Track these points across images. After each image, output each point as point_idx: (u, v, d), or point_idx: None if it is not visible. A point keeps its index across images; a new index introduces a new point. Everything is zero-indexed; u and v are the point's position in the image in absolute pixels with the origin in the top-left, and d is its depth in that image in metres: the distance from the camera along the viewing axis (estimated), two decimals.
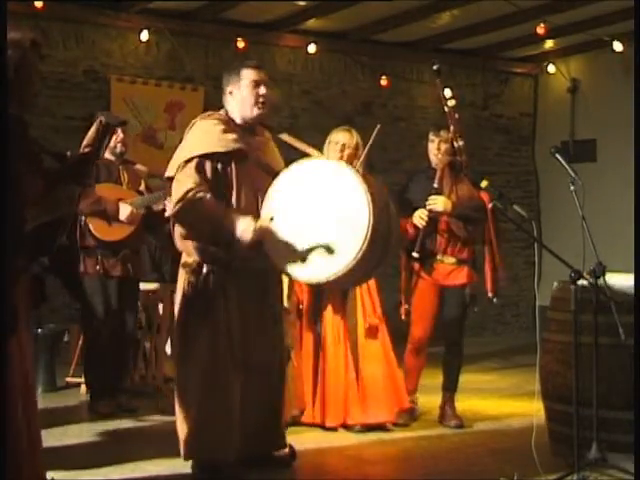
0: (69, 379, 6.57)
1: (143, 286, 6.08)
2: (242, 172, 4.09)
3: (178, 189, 4.01)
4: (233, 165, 4.07)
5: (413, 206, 5.25)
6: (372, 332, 5.25)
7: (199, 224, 4.03)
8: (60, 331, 6.84)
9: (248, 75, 4.17)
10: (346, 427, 5.17)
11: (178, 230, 4.15)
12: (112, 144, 5.77)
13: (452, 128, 5.29)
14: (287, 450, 4.41)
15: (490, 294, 5.43)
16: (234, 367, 4.08)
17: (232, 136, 4.09)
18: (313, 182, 4.05)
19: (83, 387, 6.21)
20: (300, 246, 3.96)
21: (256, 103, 4.16)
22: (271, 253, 4.01)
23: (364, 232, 3.82)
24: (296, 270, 4.00)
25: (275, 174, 4.15)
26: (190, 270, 4.13)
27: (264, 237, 3.95)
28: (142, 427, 5.39)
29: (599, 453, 4.03)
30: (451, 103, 5.28)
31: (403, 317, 5.41)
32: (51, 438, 4.80)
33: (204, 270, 4.07)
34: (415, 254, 5.23)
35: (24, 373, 3.09)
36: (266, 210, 4.05)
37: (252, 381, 4.17)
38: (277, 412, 4.36)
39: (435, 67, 5.42)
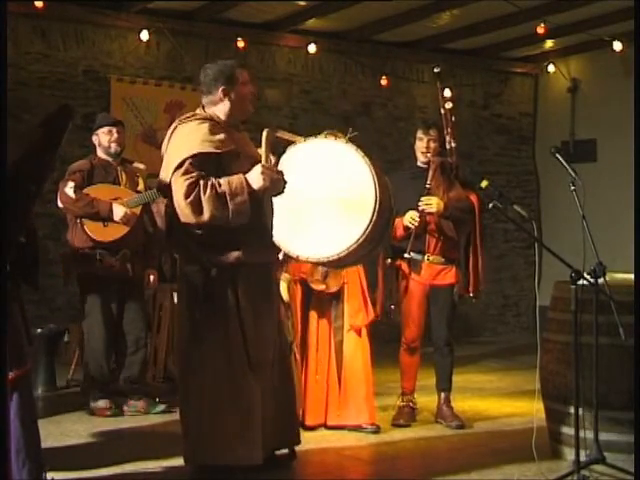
0: (69, 379, 6.57)
1: None
2: (235, 169, 4.04)
3: (179, 190, 3.91)
4: (226, 163, 4.03)
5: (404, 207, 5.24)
6: (356, 333, 5.25)
7: (217, 204, 3.90)
8: (60, 331, 6.84)
9: (245, 76, 4.19)
10: (326, 427, 5.19)
11: (176, 236, 4.08)
12: (106, 144, 5.78)
13: (449, 130, 5.29)
14: (287, 450, 4.41)
15: (472, 294, 5.42)
16: (250, 367, 4.03)
17: (221, 136, 4.06)
18: (318, 160, 4.04)
19: (83, 387, 6.20)
20: (305, 222, 3.95)
21: (251, 102, 4.23)
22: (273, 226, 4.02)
23: (371, 207, 3.82)
24: (299, 248, 3.99)
25: None
26: (195, 274, 4.05)
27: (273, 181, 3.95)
28: (142, 427, 5.39)
29: (599, 453, 4.03)
30: (448, 105, 5.29)
31: (391, 316, 5.41)
32: (51, 438, 4.80)
33: (212, 272, 4.01)
34: (407, 255, 5.23)
35: None
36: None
37: (267, 379, 4.15)
38: (292, 409, 4.36)
39: (436, 70, 5.45)
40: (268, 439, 4.13)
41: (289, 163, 4.11)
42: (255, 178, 3.94)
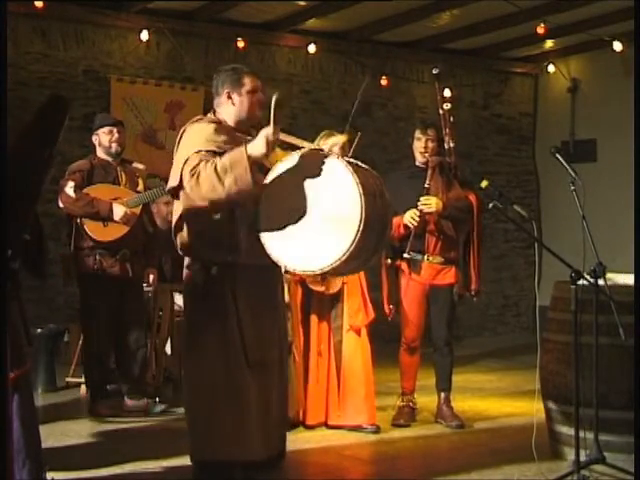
0: (69, 379, 6.57)
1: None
2: None
3: (184, 178, 3.92)
4: None
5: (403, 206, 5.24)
6: (356, 333, 5.25)
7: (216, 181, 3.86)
8: (60, 331, 6.84)
9: (251, 82, 4.20)
10: (327, 427, 5.20)
11: (182, 235, 4.11)
12: (107, 144, 5.78)
13: (447, 130, 5.29)
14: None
15: (472, 293, 5.42)
16: (248, 367, 4.05)
17: (224, 137, 4.07)
18: (303, 174, 4.04)
19: (83, 387, 6.22)
20: (301, 238, 3.95)
21: (258, 110, 4.22)
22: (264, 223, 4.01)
23: (356, 224, 3.82)
24: (291, 260, 4.00)
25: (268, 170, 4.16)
26: (196, 272, 4.09)
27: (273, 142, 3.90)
28: (142, 427, 5.39)
29: (599, 453, 4.03)
30: (447, 106, 5.29)
31: (389, 318, 5.42)
32: (51, 438, 4.81)
33: (211, 271, 4.04)
34: (407, 255, 5.24)
35: None
36: (264, 211, 4.06)
37: (267, 378, 4.17)
38: (284, 411, 4.37)
39: (435, 71, 5.46)
40: (275, 439, 4.18)
41: (279, 174, 4.11)
42: (258, 144, 3.86)
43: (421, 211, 5.20)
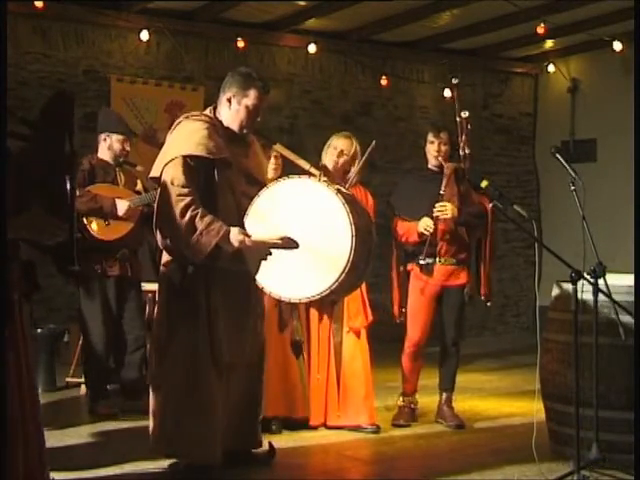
0: (69, 379, 6.57)
1: (144, 286, 6.05)
2: (224, 179, 4.09)
3: (169, 191, 3.98)
4: (216, 171, 4.06)
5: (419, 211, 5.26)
6: (355, 335, 5.26)
7: (183, 235, 3.95)
8: (60, 331, 6.84)
9: (254, 97, 4.16)
10: (327, 427, 5.20)
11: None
12: (117, 152, 5.76)
13: (464, 137, 5.28)
14: (267, 448, 4.44)
15: (484, 297, 5.42)
16: (215, 367, 4.09)
17: (217, 142, 4.08)
18: (293, 202, 4.10)
19: (83, 387, 6.22)
20: (285, 266, 4.01)
21: (247, 126, 4.21)
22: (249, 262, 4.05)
23: (342, 265, 3.94)
24: (269, 284, 4.09)
25: (257, 182, 4.21)
26: (173, 270, 4.13)
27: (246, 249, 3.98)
28: (142, 427, 5.37)
29: (599, 453, 4.03)
30: (465, 114, 5.29)
31: (398, 320, 5.42)
32: (51, 438, 4.78)
33: (187, 270, 4.08)
34: (422, 261, 5.25)
35: (19, 370, 3.06)
36: (249, 226, 4.08)
37: (235, 380, 4.22)
38: (255, 410, 4.40)
39: (455, 81, 5.44)
40: (230, 438, 4.21)
41: (272, 198, 4.15)
42: (233, 239, 3.94)
43: (437, 218, 5.20)
